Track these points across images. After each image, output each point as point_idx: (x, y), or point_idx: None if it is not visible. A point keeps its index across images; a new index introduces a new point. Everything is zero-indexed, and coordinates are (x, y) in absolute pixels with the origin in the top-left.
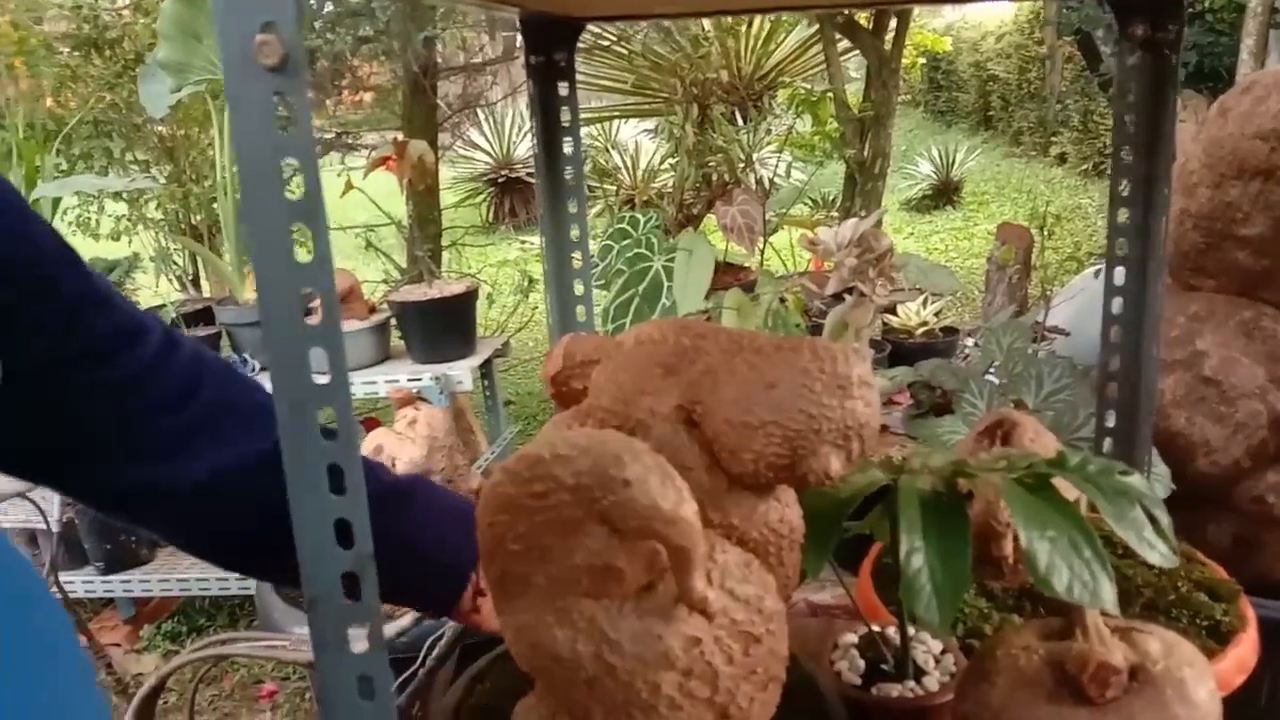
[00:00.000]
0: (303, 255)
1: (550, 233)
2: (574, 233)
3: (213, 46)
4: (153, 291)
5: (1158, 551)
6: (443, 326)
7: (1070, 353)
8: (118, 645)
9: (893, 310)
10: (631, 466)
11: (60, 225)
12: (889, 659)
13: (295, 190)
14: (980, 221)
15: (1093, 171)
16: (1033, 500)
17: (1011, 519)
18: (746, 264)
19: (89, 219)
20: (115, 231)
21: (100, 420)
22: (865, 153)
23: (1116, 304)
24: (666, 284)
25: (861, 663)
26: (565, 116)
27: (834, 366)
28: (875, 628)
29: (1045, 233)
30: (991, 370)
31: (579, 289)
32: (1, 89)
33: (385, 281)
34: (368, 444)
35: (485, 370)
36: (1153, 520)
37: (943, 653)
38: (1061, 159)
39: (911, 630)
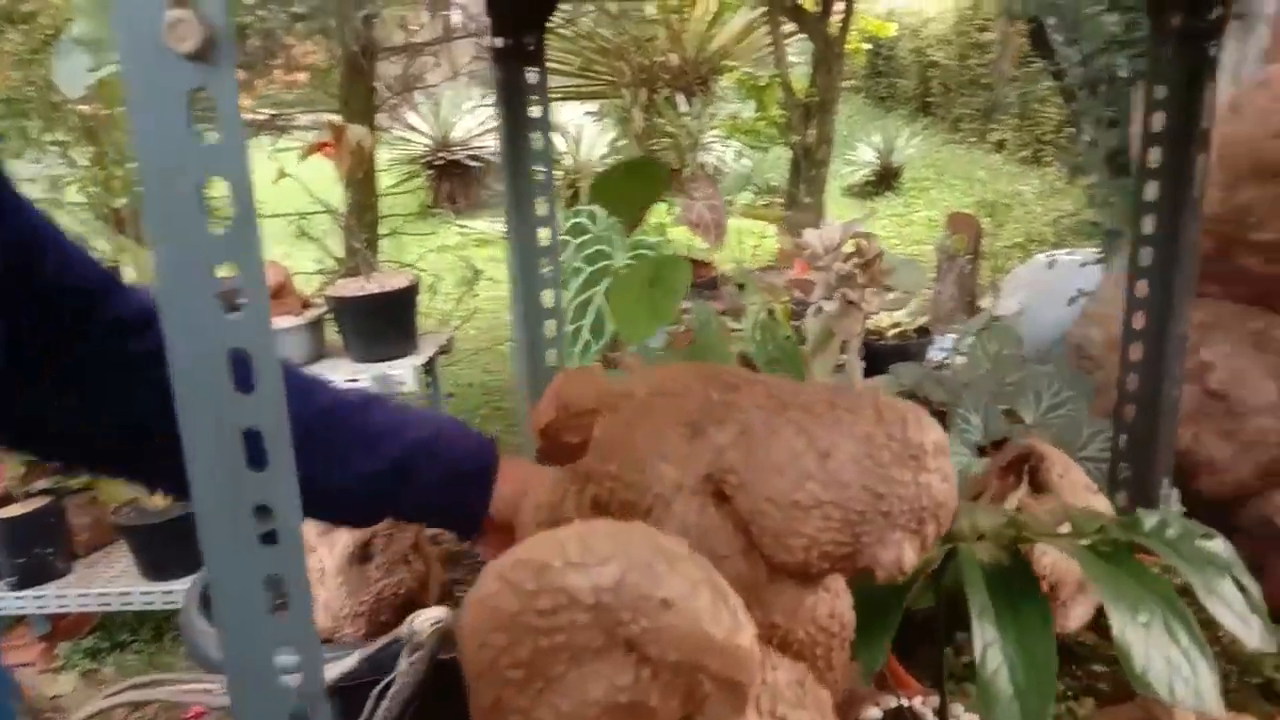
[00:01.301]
0: (233, 317)
1: (517, 237)
2: (543, 236)
3: None
4: None
5: (1254, 631)
6: (383, 323)
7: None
8: (31, 664)
9: None
10: (671, 581)
11: None
12: None
13: (221, 223)
14: (921, 208)
15: (1031, 159)
16: (1118, 575)
17: (1097, 594)
18: (705, 259)
19: None
20: None
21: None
22: (810, 138)
23: (1138, 319)
24: None
25: None
26: (535, 108)
27: (904, 431)
28: (904, 701)
29: (995, 222)
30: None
31: (548, 299)
32: None
33: (320, 272)
34: None
35: (429, 368)
36: (1242, 591)
37: None
38: (1000, 146)
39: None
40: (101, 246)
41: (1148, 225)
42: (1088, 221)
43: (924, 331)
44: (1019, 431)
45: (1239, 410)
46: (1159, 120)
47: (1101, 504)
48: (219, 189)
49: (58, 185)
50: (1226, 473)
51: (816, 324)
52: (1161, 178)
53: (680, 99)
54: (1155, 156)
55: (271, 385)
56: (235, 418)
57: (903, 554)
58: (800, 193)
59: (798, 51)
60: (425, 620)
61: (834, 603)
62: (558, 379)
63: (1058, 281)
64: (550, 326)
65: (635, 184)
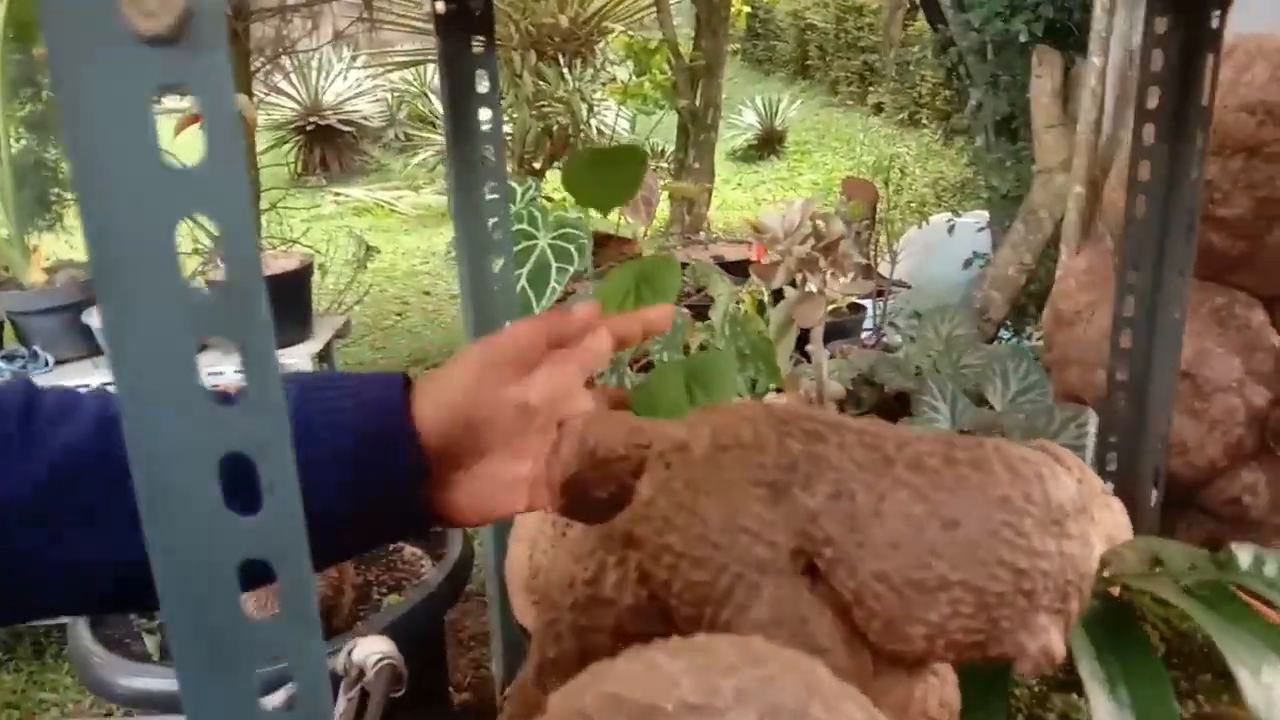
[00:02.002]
0: (229, 410)
1: (464, 226)
2: (493, 226)
3: None
4: None
5: None
6: (275, 308)
7: (912, 305)
8: None
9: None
10: None
11: None
12: None
13: (204, 277)
14: (805, 171)
15: (908, 121)
16: (1233, 628)
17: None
18: (628, 235)
19: None
20: None
21: None
22: (697, 103)
23: (1129, 305)
24: (554, 265)
25: None
26: (482, 82)
27: (1044, 490)
28: None
29: (890, 186)
30: (927, 359)
31: (501, 294)
32: None
33: (196, 252)
34: None
35: (325, 355)
36: None
37: None
38: (879, 109)
39: None
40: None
41: (1140, 207)
42: (979, 185)
43: (856, 308)
44: (990, 420)
45: (1205, 389)
46: (1156, 96)
47: (1118, 511)
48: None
49: None
50: (1196, 452)
51: (776, 312)
52: (1155, 157)
53: (565, 62)
54: (1148, 134)
55: (287, 502)
56: (230, 551)
57: (1051, 641)
58: (689, 158)
59: (678, 14)
60: (367, 654)
61: (943, 689)
62: (579, 420)
63: (948, 244)
64: (504, 319)
65: (611, 172)
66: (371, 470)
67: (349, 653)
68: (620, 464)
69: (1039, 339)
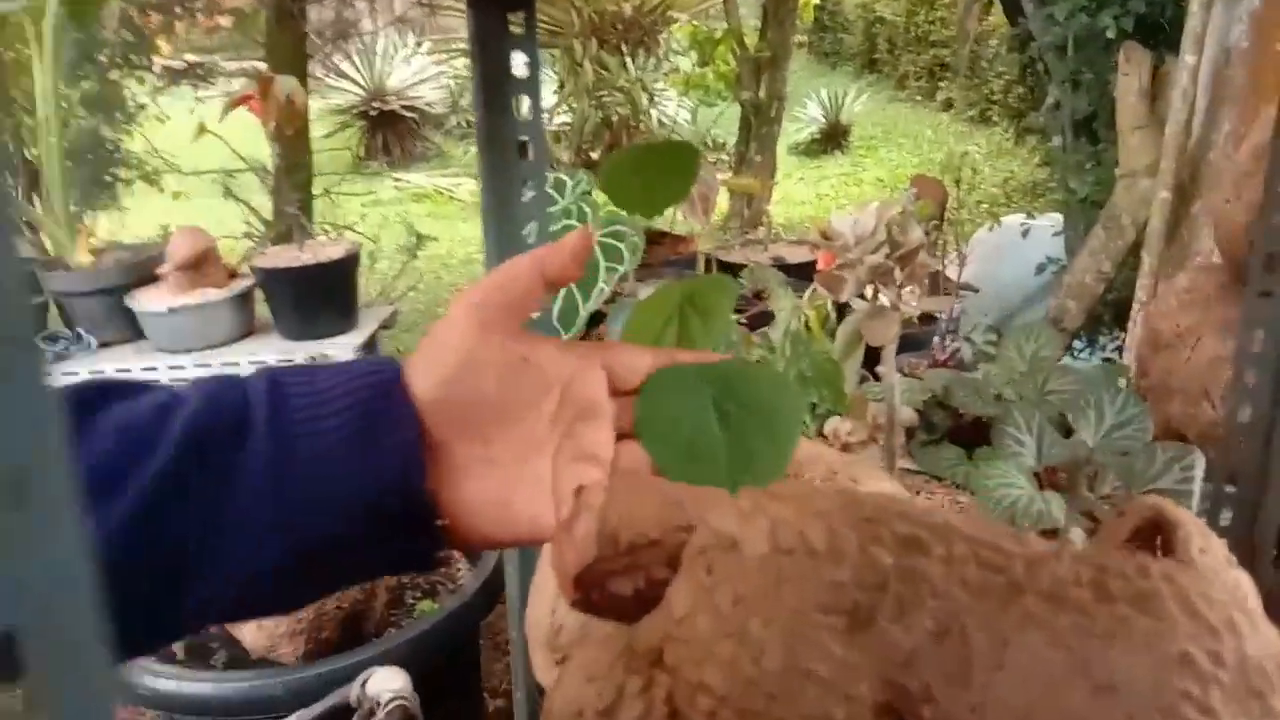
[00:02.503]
0: None
1: (496, 232)
2: (531, 231)
3: None
4: None
5: None
6: (319, 298)
7: (980, 310)
8: None
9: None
10: None
11: None
12: None
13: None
14: (870, 167)
15: (978, 118)
16: None
17: None
18: (683, 232)
19: None
20: None
21: None
22: (761, 95)
23: (1256, 339)
24: (604, 264)
25: None
26: (520, 66)
27: (1239, 648)
28: None
29: (960, 186)
30: (1010, 385)
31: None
32: None
33: (248, 235)
34: None
35: (369, 346)
36: None
37: None
38: (948, 105)
39: None
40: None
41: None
42: (1052, 185)
43: (928, 319)
44: (1082, 456)
45: None
46: None
47: (1245, 583)
48: None
49: None
50: None
51: (844, 327)
52: None
53: (627, 51)
54: None
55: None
56: None
57: None
58: (750, 151)
59: (744, 4)
60: (382, 688)
61: None
62: (598, 490)
63: (1018, 247)
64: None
65: (658, 173)
66: (368, 458)
67: (363, 684)
68: (651, 552)
69: (1113, 349)
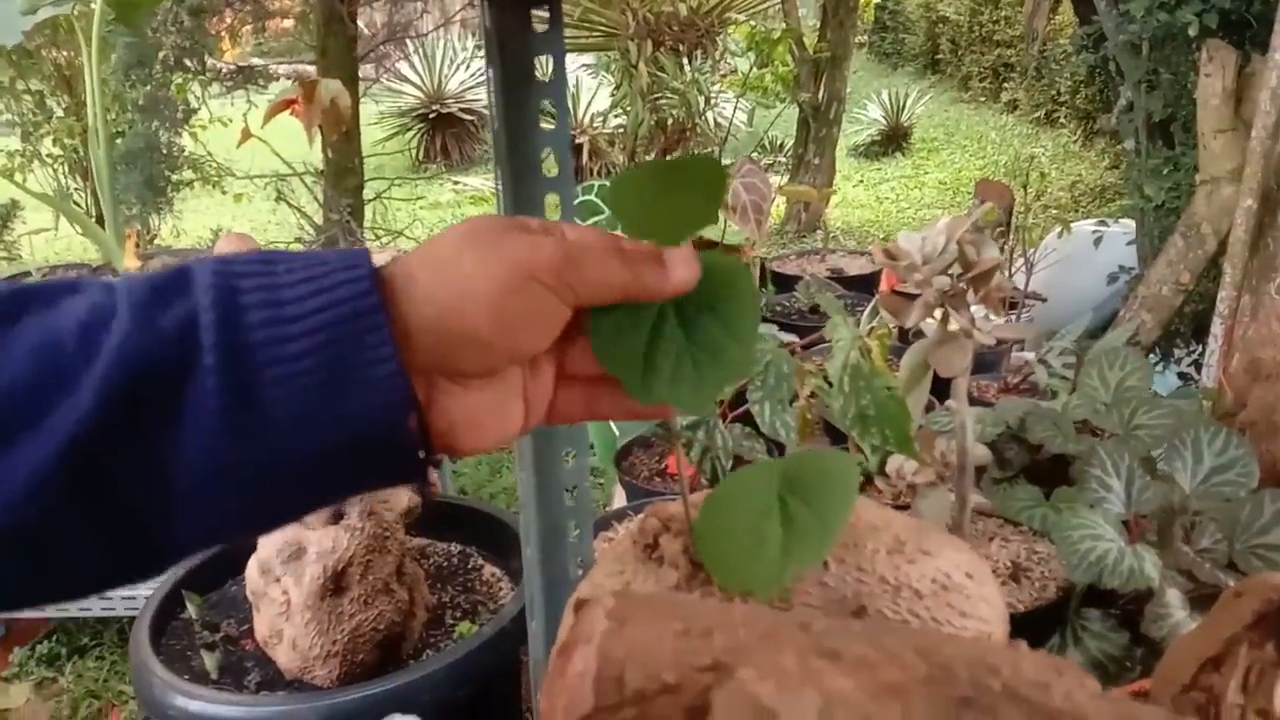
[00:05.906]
0: None
1: None
2: None
3: None
4: (54, 236)
5: None
6: None
7: (1047, 321)
8: None
9: None
10: None
11: None
12: None
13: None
14: (931, 170)
15: (1044, 120)
16: None
17: None
18: (737, 244)
19: None
20: (7, 169)
21: None
22: (820, 96)
23: None
24: None
25: None
26: (543, 69)
27: None
28: None
29: (1028, 191)
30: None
31: None
32: None
33: (299, 240)
34: None
35: None
36: None
37: None
38: (1012, 106)
39: None
40: (85, 204)
41: None
42: (1121, 190)
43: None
44: (1178, 502)
45: None
46: None
47: None
48: None
49: (34, 136)
50: None
51: (909, 356)
52: None
53: (684, 53)
54: None
55: None
56: None
57: None
58: (809, 153)
59: (804, 4)
60: None
61: None
62: (596, 616)
63: (1089, 256)
64: None
65: (677, 194)
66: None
67: None
68: (665, 701)
69: (1189, 363)
